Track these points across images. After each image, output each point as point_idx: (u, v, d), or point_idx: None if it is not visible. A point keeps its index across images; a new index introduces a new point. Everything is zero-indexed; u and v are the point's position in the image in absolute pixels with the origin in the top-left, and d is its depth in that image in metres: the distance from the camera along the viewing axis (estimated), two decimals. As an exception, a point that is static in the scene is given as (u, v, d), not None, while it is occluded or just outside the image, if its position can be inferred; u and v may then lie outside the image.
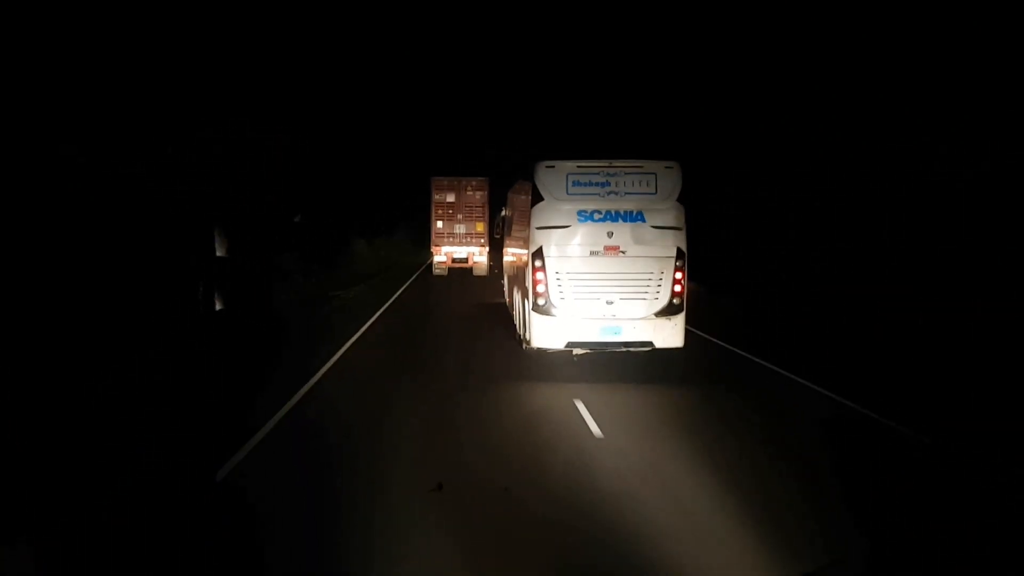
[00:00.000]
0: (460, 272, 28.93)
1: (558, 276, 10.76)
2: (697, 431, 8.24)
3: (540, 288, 10.79)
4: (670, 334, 10.75)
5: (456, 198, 29.30)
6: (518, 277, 13.02)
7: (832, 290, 18.74)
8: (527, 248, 11.61)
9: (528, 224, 11.42)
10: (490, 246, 28.08)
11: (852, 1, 19.32)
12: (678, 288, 10.72)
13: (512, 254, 15.64)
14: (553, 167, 10.76)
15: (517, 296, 13.29)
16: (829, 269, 19.02)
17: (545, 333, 10.92)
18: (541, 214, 11.29)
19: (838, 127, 21.00)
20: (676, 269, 10.71)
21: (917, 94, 18.95)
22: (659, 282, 10.66)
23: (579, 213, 11.17)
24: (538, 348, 11.17)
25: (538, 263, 10.75)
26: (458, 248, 29.36)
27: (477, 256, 29.46)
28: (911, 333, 14.55)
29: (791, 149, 21.42)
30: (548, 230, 10.87)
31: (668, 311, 10.72)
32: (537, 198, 10.82)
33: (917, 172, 18.78)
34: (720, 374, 11.42)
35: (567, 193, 10.68)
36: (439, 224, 29.38)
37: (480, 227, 29.29)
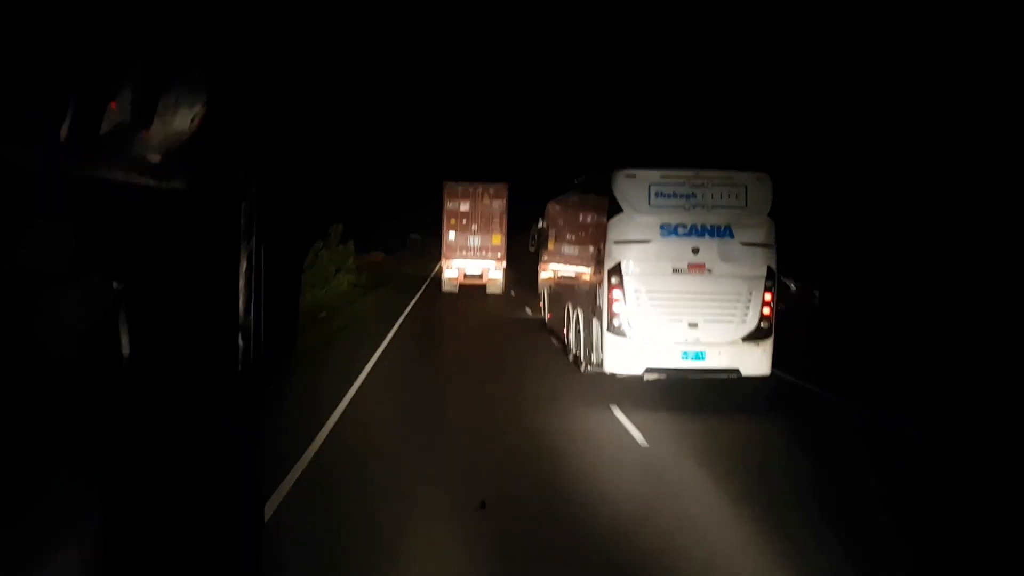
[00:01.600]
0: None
1: (637, 295, 10.61)
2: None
3: (617, 308, 9.96)
4: (758, 361, 10.02)
5: (471, 206, 26.57)
6: (580, 296, 12.62)
7: (870, 294, 17.72)
8: (597, 264, 11.24)
9: (601, 238, 10.99)
10: (507, 261, 26.43)
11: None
12: (767, 311, 10.00)
13: (559, 270, 14.67)
14: (634, 176, 9.92)
15: (576, 314, 12.89)
16: (864, 272, 18.05)
17: (620, 357, 10.15)
18: (619, 227, 10.87)
19: (841, 126, 20.09)
20: (766, 290, 9.79)
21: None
22: (747, 304, 9.99)
23: (662, 227, 10.75)
24: (611, 373, 10.12)
25: (615, 280, 9.94)
26: (471, 262, 26.60)
27: (492, 272, 26.64)
28: (949, 340, 13.53)
29: (798, 146, 20.48)
30: (627, 244, 10.72)
31: (756, 336, 10.04)
32: (615, 209, 10.06)
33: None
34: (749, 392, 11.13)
35: (649, 205, 9.92)
36: (451, 235, 26.58)
37: (497, 239, 26.43)
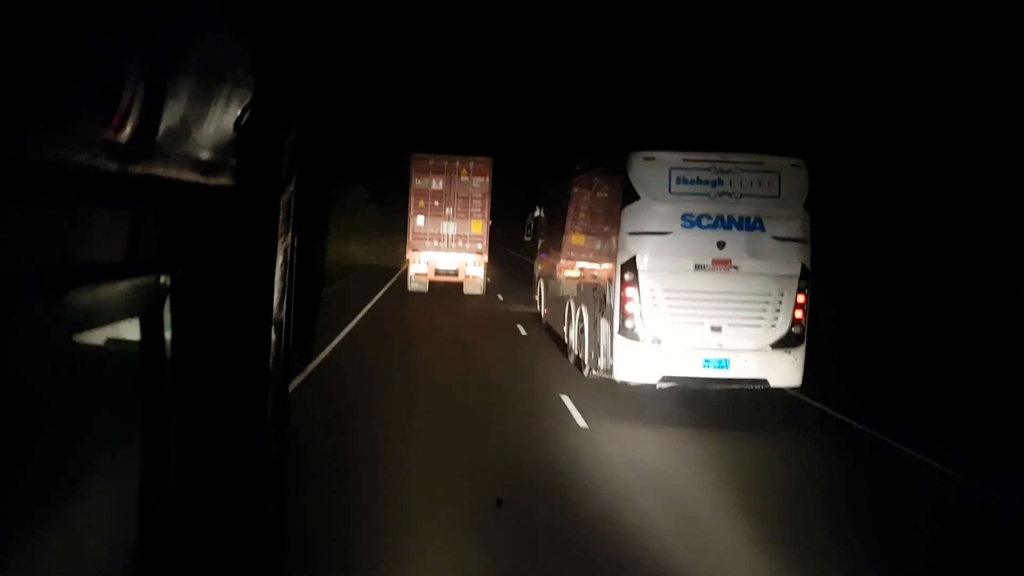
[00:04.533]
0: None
1: (653, 294, 9.52)
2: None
3: (630, 308, 9.04)
4: (788, 370, 9.26)
5: (446, 185, 22.51)
6: (586, 292, 12.15)
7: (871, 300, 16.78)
8: (608, 258, 10.75)
9: (613, 228, 10.50)
10: (489, 254, 23.30)
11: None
12: (799, 314, 9.30)
13: (561, 263, 13.53)
14: (653, 160, 8.94)
15: (579, 312, 12.35)
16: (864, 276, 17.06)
17: (634, 364, 9.31)
18: (635, 217, 10.29)
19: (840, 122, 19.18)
20: (799, 291, 8.76)
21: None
22: (778, 306, 9.30)
23: (683, 217, 10.16)
24: (621, 381, 9.00)
25: (628, 277, 9.07)
26: (445, 255, 22.73)
27: (472, 267, 22.79)
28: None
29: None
30: (644, 236, 9.46)
31: (787, 342, 9.30)
32: (631, 196, 9.14)
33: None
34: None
35: (669, 192, 9.01)
36: (419, 220, 22.68)
37: (478, 227, 22.47)
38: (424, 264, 22.71)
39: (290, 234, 1.73)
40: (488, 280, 23.60)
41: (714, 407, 10.30)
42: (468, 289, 22.89)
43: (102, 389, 1.52)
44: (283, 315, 1.76)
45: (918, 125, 17.56)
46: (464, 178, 22.39)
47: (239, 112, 1.55)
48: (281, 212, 1.68)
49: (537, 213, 17.47)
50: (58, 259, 1.22)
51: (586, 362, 11.82)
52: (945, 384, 11.45)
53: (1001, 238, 15.24)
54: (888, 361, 13.22)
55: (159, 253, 1.54)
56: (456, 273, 22.67)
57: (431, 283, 22.96)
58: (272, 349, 1.72)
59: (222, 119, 1.50)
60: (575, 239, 13.52)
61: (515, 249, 25.11)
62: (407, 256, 23.34)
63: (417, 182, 22.51)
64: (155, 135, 1.30)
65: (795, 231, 10.10)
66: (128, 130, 1.18)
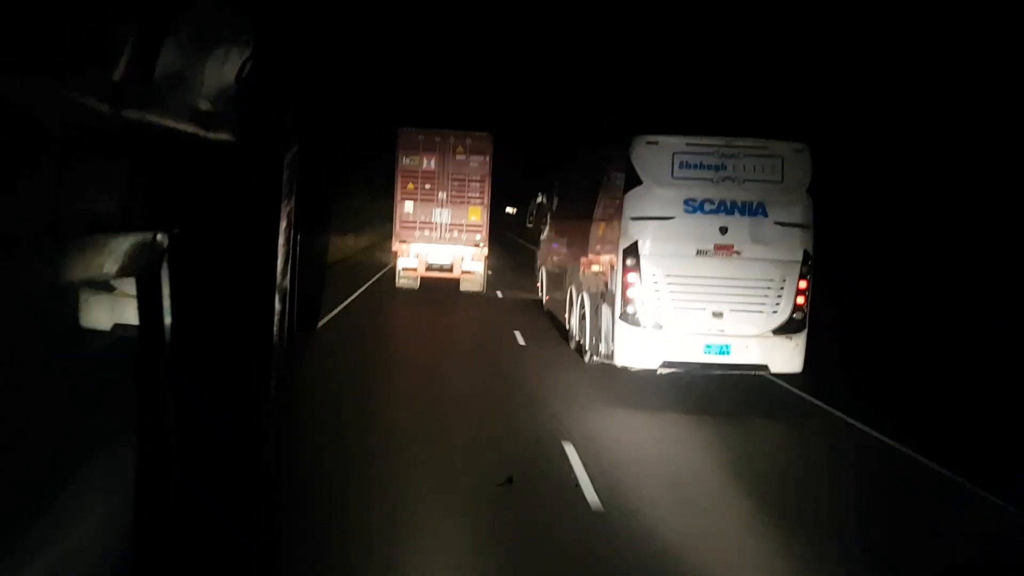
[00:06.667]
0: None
1: (655, 280, 9.55)
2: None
3: (632, 293, 9.17)
4: (789, 356, 9.58)
5: (439, 164, 19.81)
6: (588, 278, 12.56)
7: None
8: (609, 243, 11.11)
9: (616, 213, 10.85)
10: (489, 245, 21.37)
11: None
12: (801, 300, 9.62)
13: (562, 249, 13.52)
14: (656, 144, 9.03)
15: (581, 298, 12.70)
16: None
17: (635, 349, 9.56)
18: (638, 202, 10.65)
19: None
20: (801, 276, 8.83)
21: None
22: (780, 292, 9.65)
23: (686, 202, 10.48)
24: (622, 366, 9.03)
25: (630, 262, 9.30)
26: (438, 247, 20.22)
27: (469, 261, 20.40)
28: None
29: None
30: (646, 222, 9.81)
31: (788, 328, 9.67)
32: (633, 181, 9.34)
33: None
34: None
35: (672, 177, 9.17)
36: (407, 206, 20.03)
37: (476, 214, 19.95)
38: (414, 257, 20.03)
39: (294, 197, 1.64)
40: (489, 274, 21.58)
41: (713, 398, 10.40)
42: (465, 286, 20.49)
43: (92, 349, 1.49)
44: (287, 283, 1.66)
45: (928, 112, 17.40)
46: (460, 156, 19.56)
47: (240, 62, 1.46)
48: (285, 172, 1.60)
49: (539, 199, 17.49)
50: (46, 210, 1.11)
51: (587, 348, 12.53)
52: (945, 383, 11.40)
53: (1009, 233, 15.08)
54: (887, 355, 13.20)
55: (157, 209, 1.43)
56: (451, 268, 20.19)
57: (422, 279, 20.34)
58: (276, 318, 1.61)
59: (222, 69, 1.41)
60: (577, 225, 14.01)
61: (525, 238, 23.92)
62: (394, 248, 20.73)
63: (405, 161, 19.78)
64: (152, 81, 1.22)
65: (797, 216, 10.53)
66: (123, 74, 1.11)
